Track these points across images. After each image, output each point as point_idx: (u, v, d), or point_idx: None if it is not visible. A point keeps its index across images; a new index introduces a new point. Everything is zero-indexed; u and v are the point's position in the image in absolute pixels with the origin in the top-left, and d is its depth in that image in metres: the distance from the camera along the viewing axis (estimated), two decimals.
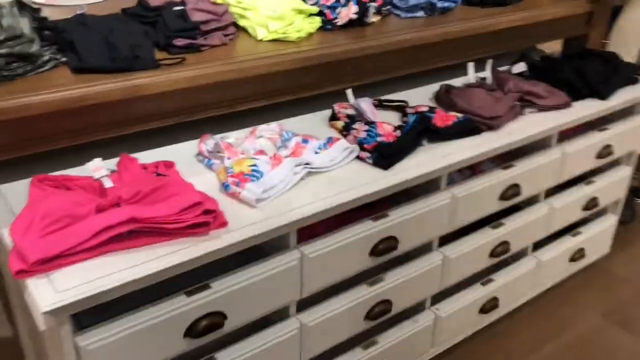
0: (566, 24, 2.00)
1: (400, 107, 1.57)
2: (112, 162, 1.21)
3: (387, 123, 1.42)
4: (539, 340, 1.87)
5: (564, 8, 1.96)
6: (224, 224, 1.05)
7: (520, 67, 1.81)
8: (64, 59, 1.22)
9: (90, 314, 0.94)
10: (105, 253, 0.95)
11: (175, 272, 0.97)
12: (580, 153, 1.77)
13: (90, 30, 1.27)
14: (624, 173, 2.00)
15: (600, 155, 1.84)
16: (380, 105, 1.60)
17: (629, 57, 2.00)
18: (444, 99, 1.62)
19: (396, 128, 1.41)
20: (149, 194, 1.04)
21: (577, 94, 1.73)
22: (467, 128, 1.47)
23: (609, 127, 1.86)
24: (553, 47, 2.20)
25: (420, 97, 1.68)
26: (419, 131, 1.40)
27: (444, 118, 1.47)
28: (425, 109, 1.51)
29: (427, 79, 1.76)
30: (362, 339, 1.46)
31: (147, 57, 1.23)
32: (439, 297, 1.61)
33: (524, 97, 1.64)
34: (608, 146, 1.85)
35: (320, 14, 1.56)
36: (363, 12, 1.57)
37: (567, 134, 1.75)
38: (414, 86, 1.75)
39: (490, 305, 1.74)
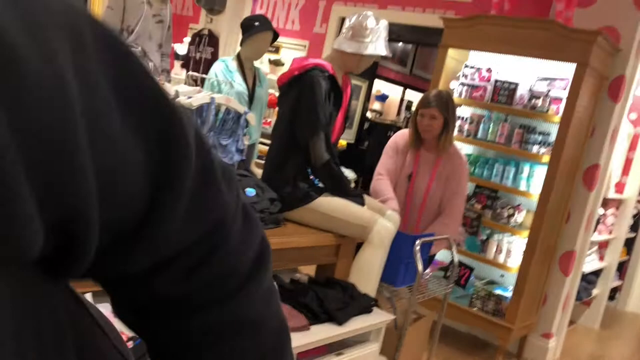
0: (317, 252, 2.32)
1: None
2: None
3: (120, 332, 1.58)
4: None
5: (314, 238, 2.28)
6: None
7: None
8: None
9: None
10: None
11: None
12: None
13: None
14: None
15: None
16: None
17: (367, 289, 2.28)
18: None
19: (129, 339, 1.36)
20: None
21: (316, 318, 1.86)
22: None
23: (344, 352, 1.96)
24: (308, 269, 2.49)
25: None
26: None
27: None
28: None
29: None
30: None
31: None
32: None
33: None
34: None
35: None
36: None
37: (306, 356, 1.81)
38: None
39: None
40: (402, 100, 8.66)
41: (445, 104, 2.80)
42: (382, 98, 8.42)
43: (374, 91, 7.44)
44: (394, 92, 8.57)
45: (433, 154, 2.90)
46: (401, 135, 3.02)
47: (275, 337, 0.50)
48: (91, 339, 0.42)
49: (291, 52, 5.70)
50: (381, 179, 2.91)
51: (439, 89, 2.97)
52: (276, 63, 5.93)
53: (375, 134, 7.09)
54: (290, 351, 0.52)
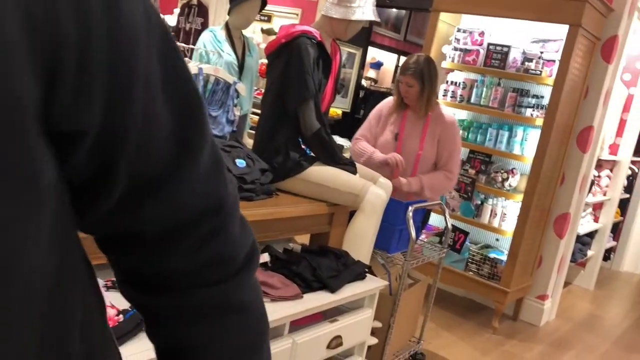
0: (310, 221, 2.32)
1: None
2: None
3: (111, 306, 1.33)
4: None
5: (307, 207, 2.26)
6: None
7: (264, 257, 1.98)
8: None
9: None
10: None
11: None
12: (310, 343, 1.82)
13: None
14: None
15: (330, 346, 1.91)
16: None
17: (360, 256, 2.27)
18: None
19: (119, 312, 1.32)
20: None
21: (309, 287, 1.89)
22: None
23: (339, 319, 1.97)
24: (302, 239, 2.49)
25: None
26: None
27: None
28: None
29: None
30: None
31: None
32: None
33: None
34: (338, 337, 1.94)
35: None
36: None
37: (299, 324, 1.82)
38: None
39: None
40: (397, 67, 8.58)
41: (420, 72, 2.77)
42: (377, 65, 8.34)
43: (368, 58, 7.37)
44: (388, 59, 8.49)
45: (419, 115, 2.90)
46: (386, 102, 3.01)
47: (257, 323, 0.56)
48: (92, 296, 0.47)
49: (283, 21, 5.63)
50: (358, 141, 2.93)
51: (418, 54, 2.92)
52: (268, 32, 5.85)
53: (370, 102, 7.04)
54: (267, 338, 0.58)
